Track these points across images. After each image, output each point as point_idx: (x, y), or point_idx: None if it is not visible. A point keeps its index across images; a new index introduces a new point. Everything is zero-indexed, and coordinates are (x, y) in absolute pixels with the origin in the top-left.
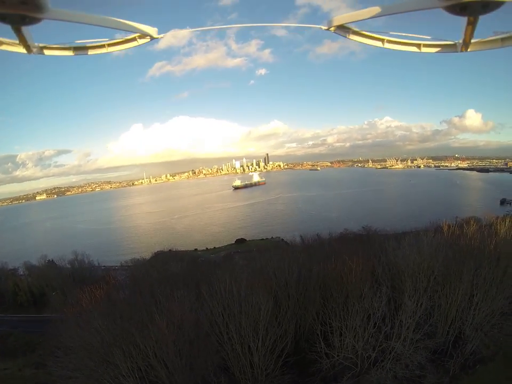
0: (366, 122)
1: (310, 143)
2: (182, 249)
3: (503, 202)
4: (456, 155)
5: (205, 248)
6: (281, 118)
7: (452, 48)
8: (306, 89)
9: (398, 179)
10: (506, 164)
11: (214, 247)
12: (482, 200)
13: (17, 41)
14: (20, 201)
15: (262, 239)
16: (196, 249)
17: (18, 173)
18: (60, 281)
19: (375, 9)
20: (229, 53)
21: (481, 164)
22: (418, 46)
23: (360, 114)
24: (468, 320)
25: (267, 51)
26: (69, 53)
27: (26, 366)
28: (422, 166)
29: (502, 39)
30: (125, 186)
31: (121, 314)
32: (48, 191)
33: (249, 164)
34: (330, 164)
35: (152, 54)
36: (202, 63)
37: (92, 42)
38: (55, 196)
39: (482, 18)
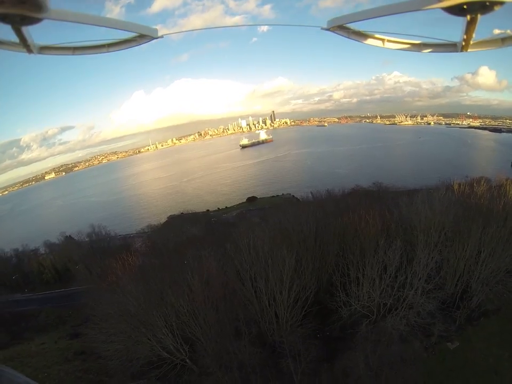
0: (373, 78)
1: (316, 99)
2: (194, 212)
3: None
4: (468, 113)
5: (216, 209)
6: (286, 75)
7: (452, 48)
8: (310, 45)
9: (408, 136)
10: None
11: (226, 207)
12: (493, 161)
13: (17, 41)
14: (30, 183)
15: (273, 196)
16: (207, 210)
17: (24, 156)
18: (81, 255)
19: (375, 9)
20: (227, 11)
21: (493, 123)
22: (418, 46)
23: (368, 69)
24: (475, 275)
25: (267, 7)
26: (69, 52)
27: (61, 338)
28: (432, 123)
29: (502, 39)
30: (131, 155)
31: (153, 277)
32: (56, 169)
33: (255, 122)
34: (337, 120)
35: (145, 18)
36: (199, 24)
37: (92, 42)
38: (64, 173)
39: (482, 18)
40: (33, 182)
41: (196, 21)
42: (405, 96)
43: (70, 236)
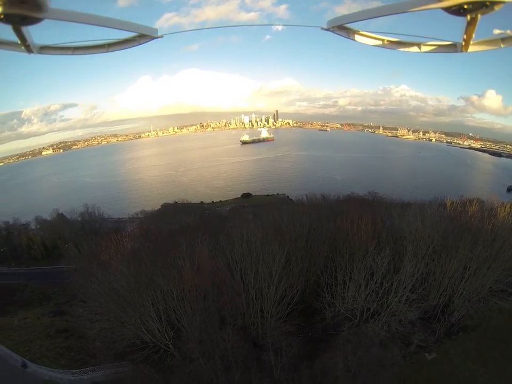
0: (381, 88)
1: (321, 103)
2: (188, 202)
3: (510, 189)
4: (470, 134)
5: (210, 201)
6: (295, 76)
7: (452, 48)
8: (323, 49)
9: (408, 150)
10: None
11: (220, 201)
12: (489, 184)
13: (17, 41)
14: (26, 157)
15: (268, 195)
16: (201, 202)
17: (23, 129)
18: (72, 233)
19: (375, 9)
20: (242, 6)
21: (494, 147)
22: (418, 45)
23: (376, 79)
24: (458, 290)
25: (283, 7)
26: (69, 52)
27: (44, 314)
28: (434, 139)
29: (502, 39)
30: (131, 139)
31: (145, 260)
32: (54, 146)
33: (258, 120)
34: (340, 126)
35: (159, 4)
36: (213, 16)
37: (92, 42)
38: (61, 150)
39: (482, 18)
40: (30, 156)
41: (209, 12)
42: (410, 110)
43: (62, 213)
